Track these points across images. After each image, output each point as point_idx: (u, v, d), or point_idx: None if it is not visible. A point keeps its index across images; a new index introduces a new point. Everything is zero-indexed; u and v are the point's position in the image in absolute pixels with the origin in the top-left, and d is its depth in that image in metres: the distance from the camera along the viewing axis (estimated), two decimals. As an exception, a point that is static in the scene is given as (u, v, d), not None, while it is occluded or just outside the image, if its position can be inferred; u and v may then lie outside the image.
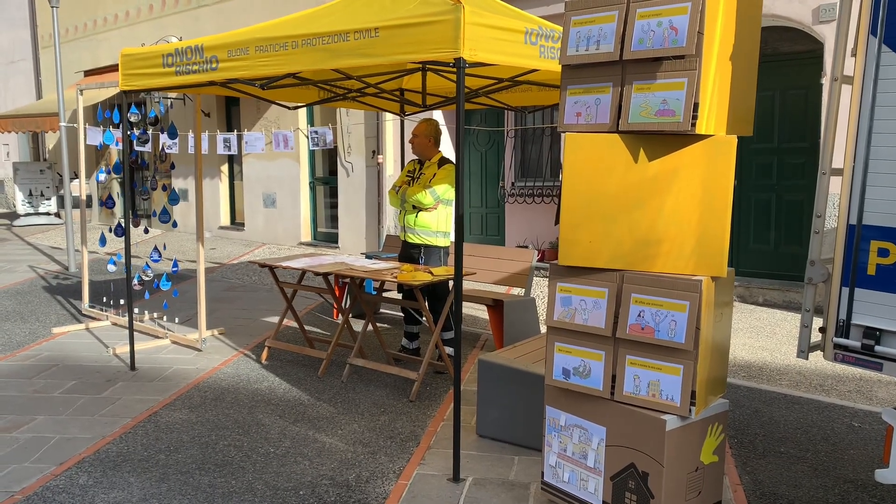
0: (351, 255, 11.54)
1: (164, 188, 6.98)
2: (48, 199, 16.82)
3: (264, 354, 6.00)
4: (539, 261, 9.19)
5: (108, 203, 7.39)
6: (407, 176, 5.87)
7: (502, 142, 10.79)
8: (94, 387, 5.32)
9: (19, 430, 4.49)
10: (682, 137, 2.91)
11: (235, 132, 10.05)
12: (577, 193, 3.04)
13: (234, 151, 9.90)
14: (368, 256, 7.34)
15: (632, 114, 2.93)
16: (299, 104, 6.90)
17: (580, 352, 3.12)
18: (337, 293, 7.40)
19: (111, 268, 7.23)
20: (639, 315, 2.96)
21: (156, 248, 6.73)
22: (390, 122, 11.31)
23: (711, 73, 2.85)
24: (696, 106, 2.79)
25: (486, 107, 7.19)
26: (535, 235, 10.34)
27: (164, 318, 7.27)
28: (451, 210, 5.81)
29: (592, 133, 3.04)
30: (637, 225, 2.98)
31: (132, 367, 5.74)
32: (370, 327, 5.92)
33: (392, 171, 11.48)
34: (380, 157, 11.35)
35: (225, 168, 14.54)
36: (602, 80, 3.02)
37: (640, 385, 3.00)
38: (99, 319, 7.40)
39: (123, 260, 6.59)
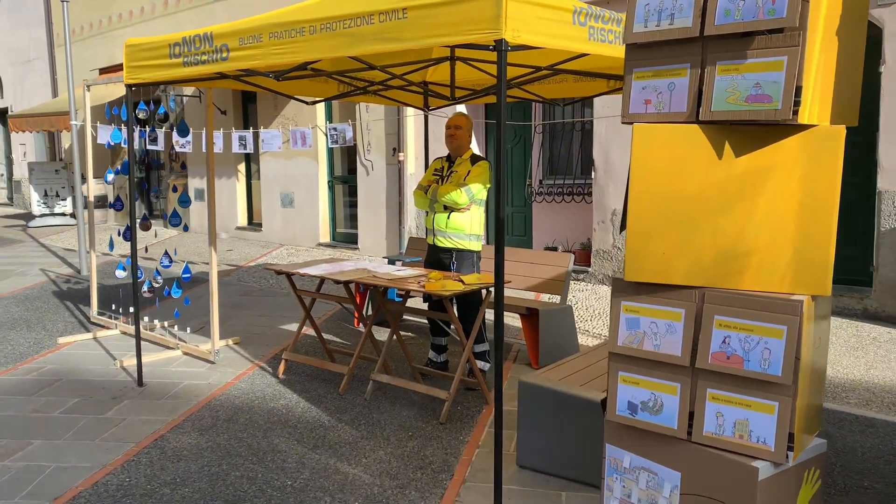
0: (370, 256, 11.12)
1: (175, 189, 6.57)
2: (63, 199, 16.55)
3: (281, 368, 5.56)
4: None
5: (115, 205, 6.99)
6: (434, 174, 5.40)
7: (529, 138, 10.30)
8: (97, 405, 4.91)
9: (12, 457, 4.08)
10: (778, 128, 2.42)
11: (252, 129, 9.65)
12: (648, 196, 2.56)
13: (249, 150, 9.50)
14: (391, 261, 6.90)
15: (715, 100, 2.45)
16: (317, 99, 6.46)
17: (650, 383, 2.64)
18: (358, 300, 6.97)
19: (120, 273, 6.84)
20: (723, 341, 2.48)
21: (166, 253, 6.32)
22: (411, 118, 10.85)
23: (816, 50, 2.36)
24: (798, 90, 2.30)
25: (517, 99, 6.72)
26: (565, 236, 9.84)
27: (176, 326, 6.87)
28: (483, 211, 5.34)
29: (667, 124, 2.55)
30: (721, 233, 2.49)
31: (140, 382, 5.33)
32: (394, 339, 5.47)
33: (413, 169, 11.03)
34: (401, 154, 10.90)
35: (242, 167, 14.16)
36: (677, 61, 2.54)
37: (724, 424, 2.51)
38: (108, 328, 7.01)
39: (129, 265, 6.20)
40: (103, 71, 16.60)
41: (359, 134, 11.38)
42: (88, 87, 7.24)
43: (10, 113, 17.64)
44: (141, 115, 6.17)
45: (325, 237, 12.59)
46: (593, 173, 9.00)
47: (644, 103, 2.62)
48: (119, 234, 6.68)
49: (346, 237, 12.38)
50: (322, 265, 5.54)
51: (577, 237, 9.71)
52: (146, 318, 7.04)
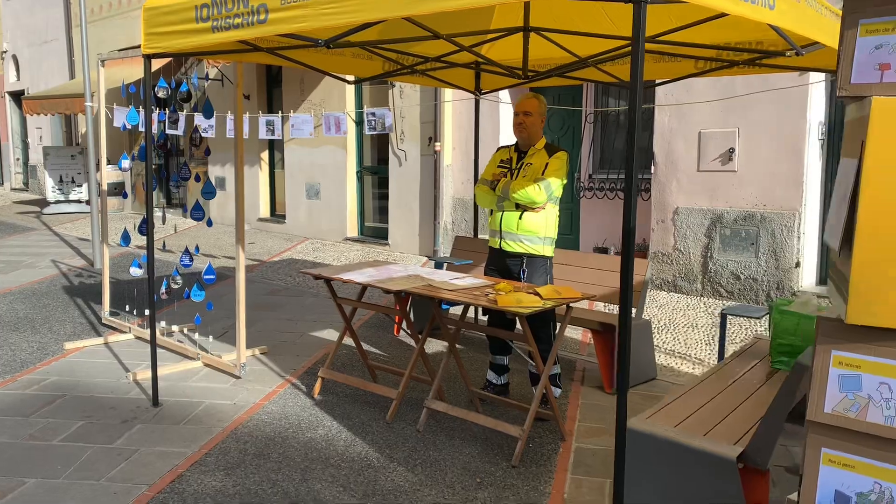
0: (401, 253, 10.35)
1: (198, 178, 5.85)
2: (79, 185, 15.92)
3: (317, 387, 4.82)
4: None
5: (123, 194, 6.25)
6: (500, 167, 4.62)
7: (578, 127, 9.49)
8: (105, 430, 4.19)
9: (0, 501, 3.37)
10: None
11: (280, 113, 8.88)
12: (893, 204, 1.77)
13: (278, 136, 8.76)
14: (438, 264, 6.13)
15: None
16: (360, 78, 5.70)
17: (875, 469, 1.86)
18: (397, 305, 6.22)
19: (135, 271, 6.13)
20: None
21: (187, 251, 5.60)
22: (449, 105, 10.07)
23: None
24: None
25: (579, 81, 5.93)
26: (616, 235, 9.04)
27: (196, 333, 6.15)
28: (558, 210, 4.56)
29: (921, 99, 1.76)
30: None
31: (155, 401, 4.60)
32: (445, 354, 4.71)
33: (450, 160, 10.26)
34: (437, 144, 10.12)
35: (265, 155, 13.45)
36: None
37: None
38: (121, 331, 6.31)
39: (146, 262, 5.49)
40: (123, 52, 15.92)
41: (392, 121, 10.61)
42: (103, 62, 6.52)
43: (24, 96, 17.02)
44: (161, 94, 5.44)
45: (353, 231, 11.85)
46: (653, 167, 8.19)
47: (877, 69, 1.83)
48: (135, 228, 5.97)
49: (374, 232, 11.64)
50: (367, 270, 4.79)
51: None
52: (163, 323, 6.33)
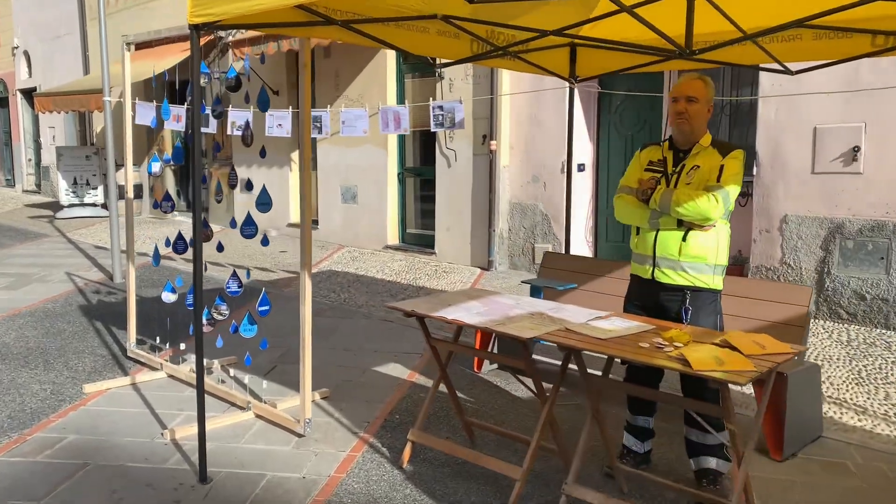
0: (449, 263, 9.21)
1: (249, 186, 4.82)
2: (94, 188, 14.96)
3: (406, 454, 3.78)
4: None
5: (164, 205, 5.23)
6: (650, 169, 3.55)
7: (658, 122, 8.40)
8: (141, 523, 3.17)
9: None
10: None
11: (329, 108, 7.82)
12: None
13: (325, 134, 7.73)
14: (535, 289, 5.07)
15: None
16: (445, 61, 4.65)
17: None
18: (479, 339, 5.19)
19: (168, 297, 5.10)
20: None
21: (235, 275, 4.56)
22: (506, 99, 9.02)
23: None
24: None
25: (711, 64, 4.87)
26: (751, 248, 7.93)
27: (246, 376, 5.12)
28: (729, 228, 3.50)
29: None
30: None
31: (202, 476, 3.57)
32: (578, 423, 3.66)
33: (507, 160, 9.20)
34: (493, 143, 9.07)
35: (295, 155, 12.41)
36: None
37: None
38: (150, 367, 5.29)
39: (181, 286, 4.48)
40: (139, 47, 14.93)
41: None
42: (129, 45, 5.49)
43: (35, 92, 16.09)
44: (202, 83, 4.40)
45: (394, 238, 10.82)
46: (755, 168, 7.10)
47: None
48: (168, 246, 4.96)
49: (417, 239, 10.59)
50: (471, 305, 3.73)
51: (720, 248, 7.79)
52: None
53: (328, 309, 7.32)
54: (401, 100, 10.45)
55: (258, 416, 4.38)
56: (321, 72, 11.46)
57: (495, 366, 5.37)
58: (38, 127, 20.16)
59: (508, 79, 9.07)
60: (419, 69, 10.20)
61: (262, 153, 5.78)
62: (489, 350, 5.26)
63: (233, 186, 4.79)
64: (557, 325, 3.28)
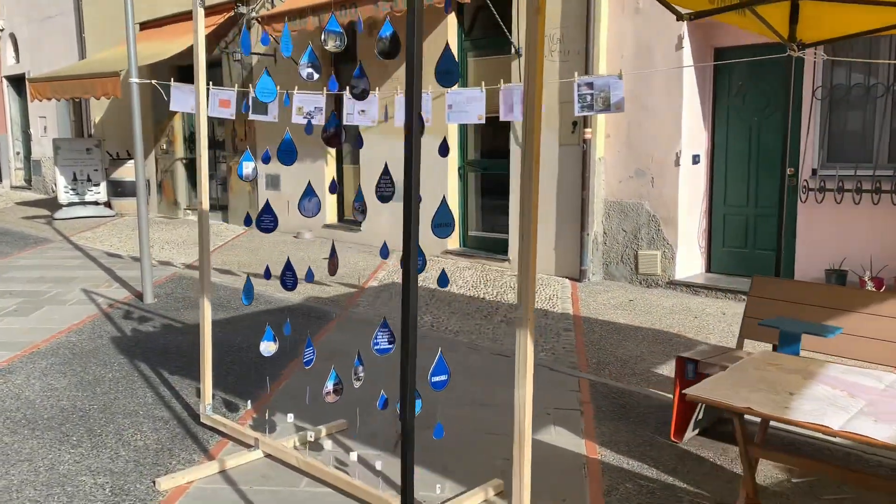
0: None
1: (333, 188, 3.43)
2: (96, 184, 13.43)
3: None
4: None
5: (265, 220, 3.77)
6: None
7: (788, 106, 7.04)
8: None
9: None
10: None
11: (377, 91, 6.38)
12: None
13: (370, 121, 6.30)
14: (787, 336, 3.71)
15: None
16: (695, 11, 3.27)
17: None
18: (676, 405, 3.87)
19: (268, 348, 3.69)
20: None
21: (385, 326, 3.13)
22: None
23: None
24: None
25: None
26: (860, 254, 6.64)
27: (354, 454, 3.74)
28: None
29: None
30: None
31: None
32: None
33: (602, 151, 7.84)
34: (586, 131, 7.70)
35: (331, 149, 10.97)
36: None
37: None
38: (237, 441, 3.90)
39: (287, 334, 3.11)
40: (144, 26, 13.40)
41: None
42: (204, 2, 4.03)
43: (28, 77, 14.49)
44: (330, 45, 2.99)
45: (455, 242, 9.44)
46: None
47: None
48: (268, 277, 3.58)
49: (483, 244, 9.22)
50: (820, 390, 2.38)
51: (885, 256, 6.51)
52: (290, 417, 3.90)
53: (421, 337, 5.94)
54: (463, 80, 9.05)
55: (427, 534, 3.02)
56: (366, 52, 10.01)
57: (696, 431, 4.03)
58: (27, 117, 18.51)
59: (605, 55, 7.70)
60: (487, 47, 8.80)
61: (359, 143, 4.40)
62: (697, 412, 3.93)
63: (333, 191, 3.37)
64: None
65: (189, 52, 11.19)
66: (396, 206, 9.83)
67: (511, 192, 8.56)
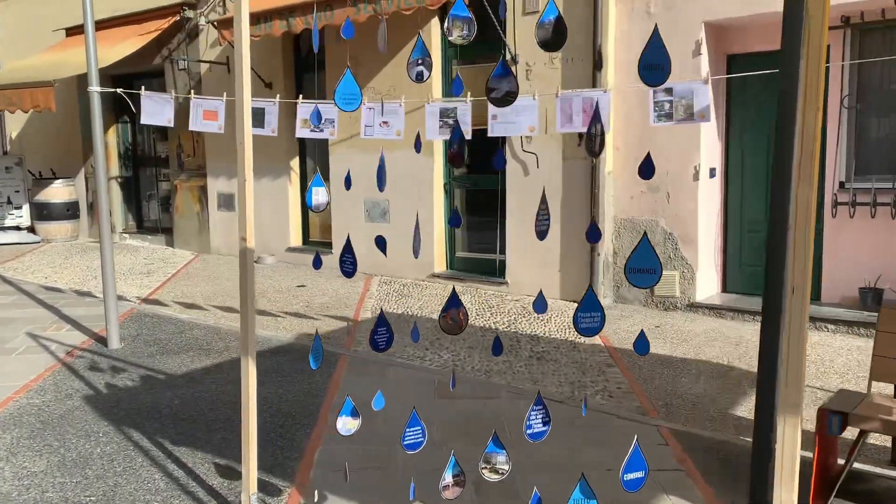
0: (528, 296, 6.72)
1: (348, 182, 2.70)
2: (18, 207, 12.03)
3: None
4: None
5: (345, 262, 2.95)
6: None
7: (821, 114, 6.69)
8: None
9: None
10: None
11: (402, 100, 5.65)
12: None
13: (395, 135, 5.59)
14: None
15: None
16: None
17: None
18: (817, 447, 3.30)
19: (346, 425, 2.86)
20: None
21: (540, 402, 2.39)
22: (610, 88, 7.11)
23: None
24: None
25: None
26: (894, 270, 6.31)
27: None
28: None
29: None
30: None
31: None
32: None
33: (611, 165, 7.30)
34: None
35: (295, 163, 10.09)
36: None
37: None
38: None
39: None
40: (70, 32, 12.13)
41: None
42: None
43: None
44: (459, 38, 2.26)
45: (441, 265, 8.72)
46: None
47: None
48: (318, 266, 2.77)
49: (472, 266, 8.54)
50: None
51: (920, 273, 6.19)
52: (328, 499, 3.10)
53: (444, 382, 5.19)
54: (450, 88, 8.36)
55: None
56: (332, 59, 9.22)
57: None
58: (-72, 133, 16.63)
59: (613, 62, 7.18)
60: (473, 54, 8.15)
61: (417, 146, 3.68)
62: (847, 465, 3.35)
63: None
64: None
65: (131, 60, 10.09)
66: (376, 229, 9.03)
67: (508, 209, 7.91)
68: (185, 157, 11.01)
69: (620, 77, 7.18)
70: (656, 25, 2.11)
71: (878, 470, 3.75)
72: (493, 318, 6.88)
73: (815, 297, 6.76)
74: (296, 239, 10.13)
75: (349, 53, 8.88)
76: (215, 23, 9.21)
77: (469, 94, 5.21)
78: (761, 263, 7.14)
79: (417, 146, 3.10)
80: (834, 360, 5.59)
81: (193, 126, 5.45)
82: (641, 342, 2.13)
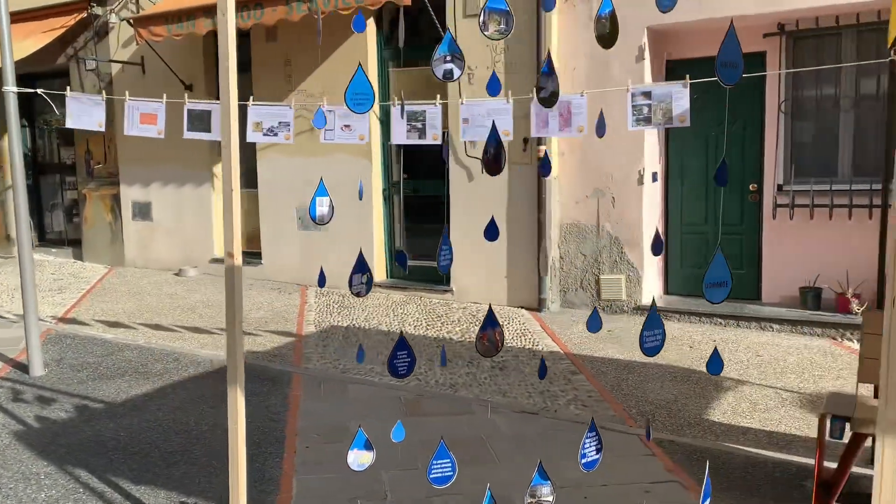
0: (474, 303, 6.82)
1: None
2: None
3: None
4: (842, 311, 4.81)
5: (355, 281, 2.67)
6: None
7: (757, 120, 6.87)
8: None
9: None
10: None
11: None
12: None
13: (358, 139, 5.32)
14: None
15: None
16: None
17: None
18: (819, 453, 3.30)
19: (359, 459, 2.59)
20: None
21: (594, 430, 2.20)
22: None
23: None
24: None
25: None
26: (835, 269, 6.51)
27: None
28: None
29: None
30: None
31: None
32: None
33: (556, 170, 7.26)
34: (540, 148, 7.09)
35: (218, 169, 9.56)
36: None
37: None
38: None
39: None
40: (17, 17, 11.08)
41: (453, 118, 7.40)
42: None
43: None
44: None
45: (381, 274, 8.45)
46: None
47: None
48: (323, 285, 2.52)
49: (414, 274, 8.31)
50: None
51: (855, 273, 6.41)
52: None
53: (418, 399, 4.97)
54: (385, 97, 8.12)
55: None
56: (263, 60, 8.81)
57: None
58: None
59: (558, 64, 7.14)
60: (411, 56, 7.94)
61: (446, 153, 3.44)
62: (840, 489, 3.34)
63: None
64: None
65: (31, 60, 9.32)
66: (309, 237, 8.68)
67: (452, 215, 7.73)
68: (96, 165, 10.27)
69: (564, 83, 7.13)
70: (732, 21, 1.98)
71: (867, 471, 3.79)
72: (444, 328, 6.69)
73: (756, 296, 6.93)
74: (220, 249, 9.61)
75: (284, 58, 8.51)
76: (131, 20, 8.61)
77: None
78: (702, 265, 7.26)
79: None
80: (786, 359, 5.70)
81: (129, 131, 5.00)
82: (715, 361, 1.99)
